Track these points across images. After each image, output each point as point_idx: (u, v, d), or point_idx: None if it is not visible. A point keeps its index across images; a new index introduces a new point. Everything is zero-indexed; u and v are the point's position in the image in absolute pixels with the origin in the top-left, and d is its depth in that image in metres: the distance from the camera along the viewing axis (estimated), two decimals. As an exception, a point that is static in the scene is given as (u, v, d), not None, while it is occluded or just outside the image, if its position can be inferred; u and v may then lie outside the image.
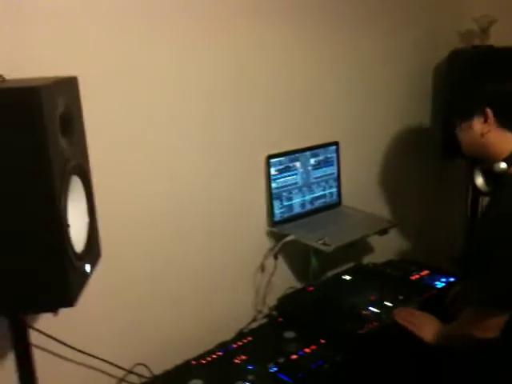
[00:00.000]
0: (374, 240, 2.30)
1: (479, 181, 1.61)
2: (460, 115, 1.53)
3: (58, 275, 1.02)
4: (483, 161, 1.55)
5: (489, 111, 1.44)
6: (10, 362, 1.28)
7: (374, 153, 2.38)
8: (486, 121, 1.45)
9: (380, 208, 2.36)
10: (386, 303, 1.86)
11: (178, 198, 1.73)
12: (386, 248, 2.35)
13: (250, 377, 1.52)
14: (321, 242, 1.86)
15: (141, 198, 1.64)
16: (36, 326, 1.42)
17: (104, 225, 1.36)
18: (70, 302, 1.03)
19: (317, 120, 2.10)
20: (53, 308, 1.06)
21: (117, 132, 1.55)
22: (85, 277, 1.14)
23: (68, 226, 1.06)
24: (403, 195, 2.50)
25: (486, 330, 1.44)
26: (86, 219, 1.18)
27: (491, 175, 1.52)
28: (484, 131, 1.46)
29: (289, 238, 1.91)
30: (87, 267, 1.15)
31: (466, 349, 1.54)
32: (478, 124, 1.47)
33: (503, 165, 1.44)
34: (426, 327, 1.68)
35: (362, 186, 2.34)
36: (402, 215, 2.18)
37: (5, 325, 1.19)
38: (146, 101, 1.60)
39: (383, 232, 2.06)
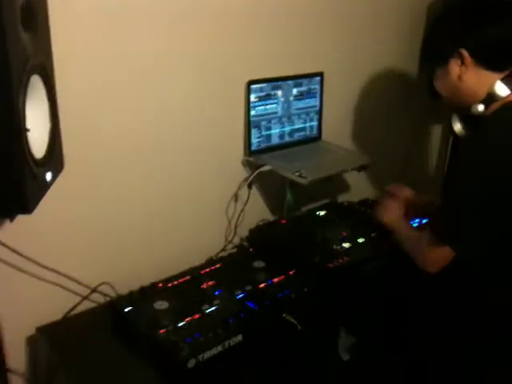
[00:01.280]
0: (352, 178, 2.28)
1: (457, 126, 1.59)
2: (435, 60, 1.50)
3: (14, 180, 0.97)
4: (461, 106, 1.51)
5: (464, 52, 1.40)
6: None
7: (359, 89, 2.30)
8: (462, 62, 1.42)
9: (360, 145, 2.31)
10: (358, 240, 1.85)
11: (154, 116, 1.65)
12: (362, 187, 2.33)
13: (216, 301, 1.50)
14: (297, 173, 1.82)
15: (112, 109, 1.55)
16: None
17: (70, 133, 1.30)
18: (26, 208, 0.98)
19: (302, 48, 2.00)
20: (8, 213, 1.00)
21: (92, 32, 1.44)
22: (45, 185, 1.08)
23: (27, 129, 1.00)
24: (386, 134, 2.46)
25: (425, 262, 1.48)
26: (47, 124, 1.11)
27: (469, 119, 1.50)
28: (461, 73, 1.43)
29: (264, 168, 1.87)
30: (48, 175, 1.09)
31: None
32: (455, 67, 1.44)
33: (481, 107, 1.42)
34: (392, 211, 1.75)
35: (343, 122, 2.28)
36: (382, 154, 2.14)
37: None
38: (127, 7, 1.49)
39: (361, 168, 2.02)
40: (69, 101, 1.32)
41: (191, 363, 1.28)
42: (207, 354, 1.31)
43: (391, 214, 1.75)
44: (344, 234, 1.89)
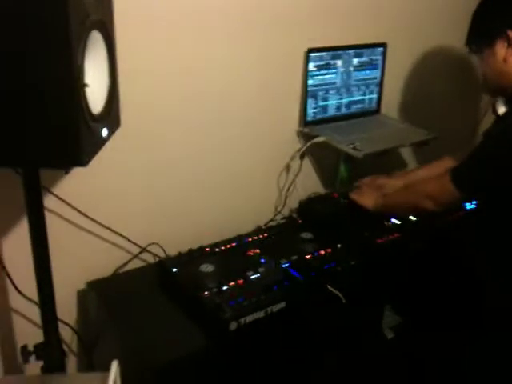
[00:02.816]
0: (408, 153, 2.21)
1: (502, 109, 1.56)
2: (481, 41, 1.47)
3: (70, 132, 0.98)
4: (503, 88, 1.49)
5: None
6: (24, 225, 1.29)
7: (422, 62, 2.21)
8: (509, 44, 1.39)
9: (421, 120, 2.22)
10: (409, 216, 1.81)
11: (212, 81, 1.65)
12: (420, 163, 2.25)
13: (261, 269, 1.50)
14: (351, 146, 1.77)
15: (171, 70, 1.55)
16: (55, 192, 1.43)
17: (129, 93, 1.31)
18: (81, 160, 1.00)
19: (365, 17, 1.93)
20: (63, 165, 1.03)
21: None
22: (100, 140, 1.10)
23: (85, 84, 1.01)
24: (448, 110, 2.36)
25: (436, 203, 1.53)
26: (106, 81, 1.12)
27: None
28: (507, 55, 1.41)
29: (318, 139, 1.83)
30: (104, 131, 1.11)
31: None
32: (501, 49, 1.41)
33: None
34: (368, 195, 1.79)
35: (404, 96, 2.20)
36: (443, 130, 2.05)
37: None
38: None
39: (421, 144, 1.95)
40: (128, 60, 1.33)
41: (233, 325, 1.29)
42: (249, 318, 1.32)
43: (370, 198, 1.78)
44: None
